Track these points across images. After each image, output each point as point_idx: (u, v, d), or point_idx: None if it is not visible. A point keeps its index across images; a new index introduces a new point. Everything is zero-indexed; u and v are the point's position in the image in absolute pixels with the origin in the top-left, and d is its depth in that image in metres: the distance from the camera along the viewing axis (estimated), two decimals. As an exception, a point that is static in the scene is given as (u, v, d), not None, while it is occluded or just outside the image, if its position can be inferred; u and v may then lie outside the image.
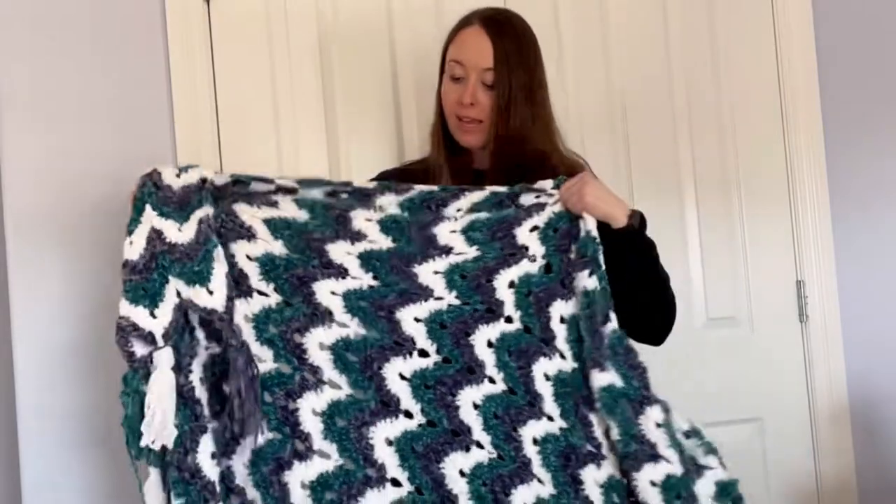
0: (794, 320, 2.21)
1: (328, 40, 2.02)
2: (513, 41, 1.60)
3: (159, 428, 1.24)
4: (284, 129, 2.00)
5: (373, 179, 1.71)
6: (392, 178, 1.70)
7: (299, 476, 1.30)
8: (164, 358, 1.27)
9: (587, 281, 1.43)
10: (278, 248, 1.39)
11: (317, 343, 1.35)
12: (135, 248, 1.32)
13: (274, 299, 1.36)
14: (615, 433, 1.39)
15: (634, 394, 1.42)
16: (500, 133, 1.57)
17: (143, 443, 1.24)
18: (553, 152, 1.64)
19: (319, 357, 1.34)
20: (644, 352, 2.13)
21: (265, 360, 1.33)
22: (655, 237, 2.12)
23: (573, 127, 2.11)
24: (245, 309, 1.35)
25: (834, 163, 2.23)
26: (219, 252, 1.33)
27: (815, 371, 2.20)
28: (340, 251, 1.41)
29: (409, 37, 2.04)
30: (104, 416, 1.86)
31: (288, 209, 1.43)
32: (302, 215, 1.43)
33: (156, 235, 1.32)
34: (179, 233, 1.32)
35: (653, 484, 1.38)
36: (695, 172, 2.18)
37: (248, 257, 1.38)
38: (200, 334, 1.33)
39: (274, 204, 1.43)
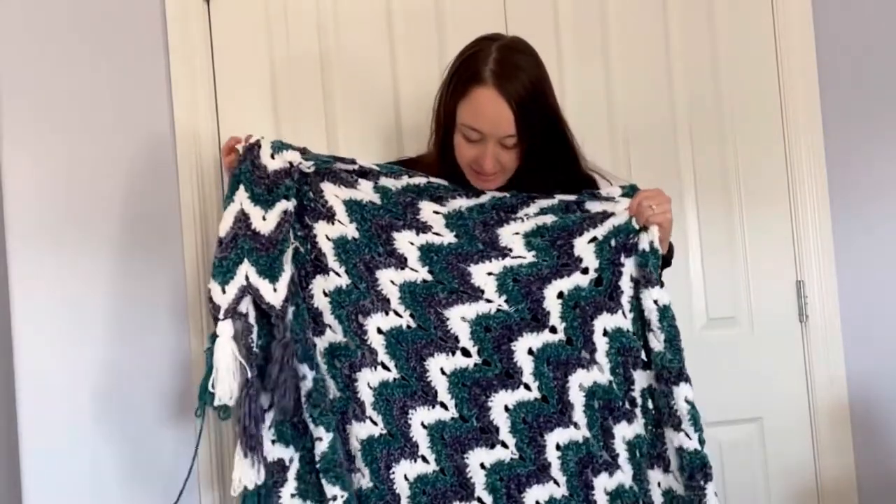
0: (794, 320, 2.21)
1: (328, 40, 2.02)
2: (528, 94, 1.49)
3: (220, 387, 1.47)
4: (284, 129, 1.99)
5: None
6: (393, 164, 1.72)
7: (355, 432, 1.50)
8: (225, 329, 1.48)
9: (658, 294, 1.51)
10: (352, 231, 1.53)
11: (375, 327, 1.50)
12: (224, 225, 1.50)
13: (345, 280, 1.52)
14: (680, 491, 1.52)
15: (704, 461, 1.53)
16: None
17: (215, 401, 1.48)
18: (578, 168, 1.64)
19: (376, 340, 1.50)
20: (644, 352, 2.13)
21: (336, 332, 1.52)
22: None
23: (573, 128, 2.11)
24: (323, 284, 1.52)
25: (834, 163, 2.23)
26: (289, 255, 1.49)
27: (815, 371, 2.20)
28: (404, 240, 1.52)
29: (409, 37, 2.04)
30: (104, 416, 1.86)
31: (365, 191, 1.55)
32: (376, 199, 1.54)
33: (243, 218, 1.50)
34: (263, 222, 1.49)
35: None
36: (695, 173, 2.18)
37: (327, 237, 1.53)
38: (252, 316, 1.50)
39: (353, 184, 1.55)
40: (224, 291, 1.47)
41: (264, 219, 1.49)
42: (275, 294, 1.47)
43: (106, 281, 1.87)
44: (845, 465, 2.20)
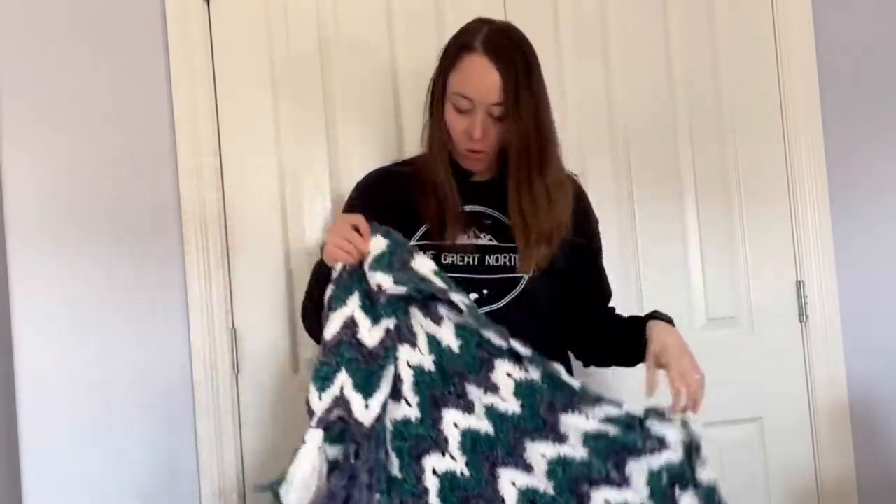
0: (794, 320, 2.21)
1: (328, 40, 2.02)
2: (518, 68, 1.52)
3: (290, 497, 1.38)
4: (284, 129, 2.00)
5: (359, 184, 1.71)
6: (375, 182, 1.70)
7: None
8: (314, 438, 1.40)
9: None
10: (428, 363, 1.47)
11: (431, 467, 1.45)
12: (331, 329, 1.44)
13: (414, 413, 1.46)
14: None
15: None
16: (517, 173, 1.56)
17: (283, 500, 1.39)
18: (555, 170, 1.61)
19: (430, 481, 1.44)
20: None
21: (392, 465, 1.44)
22: (656, 238, 2.14)
23: (573, 128, 2.12)
24: (393, 411, 1.45)
25: (834, 163, 2.23)
26: (389, 372, 1.43)
27: (815, 371, 2.20)
28: (474, 393, 1.47)
29: (409, 36, 2.04)
30: (104, 416, 1.86)
31: (447, 334, 1.49)
32: (455, 344, 1.48)
33: (351, 324, 1.44)
34: (368, 333, 1.44)
35: None
36: (695, 173, 2.18)
37: (407, 363, 1.47)
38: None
39: (439, 321, 1.49)
40: (320, 399, 1.42)
41: (370, 331, 1.44)
42: (366, 411, 1.41)
43: (106, 281, 1.87)
44: (845, 465, 2.20)
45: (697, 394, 1.52)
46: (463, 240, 1.60)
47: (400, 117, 2.02)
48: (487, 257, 1.60)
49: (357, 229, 1.47)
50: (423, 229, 1.61)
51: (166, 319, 1.90)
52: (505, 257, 1.59)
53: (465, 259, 1.60)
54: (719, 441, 2.15)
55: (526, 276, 1.58)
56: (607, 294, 1.72)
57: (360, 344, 1.44)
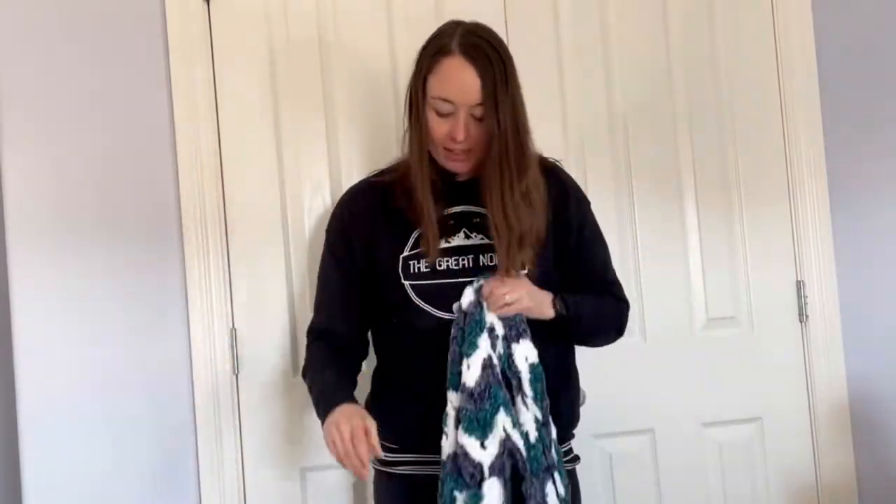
0: (794, 320, 2.21)
1: (328, 39, 2.02)
2: (495, 68, 1.53)
3: None
4: (284, 128, 2.00)
5: (343, 200, 1.72)
6: (360, 196, 1.70)
7: None
8: (494, 489, 1.43)
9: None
10: None
11: None
12: (472, 374, 1.46)
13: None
14: None
15: None
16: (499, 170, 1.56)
17: None
18: (533, 166, 1.61)
19: None
20: (645, 352, 2.14)
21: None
22: (656, 238, 2.14)
23: (573, 127, 2.12)
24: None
25: (834, 163, 2.22)
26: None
27: (815, 371, 2.20)
28: None
29: (409, 36, 2.03)
30: (104, 416, 1.86)
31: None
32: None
33: (489, 365, 1.46)
34: (468, 371, 1.47)
35: None
36: (695, 173, 2.18)
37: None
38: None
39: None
40: (484, 447, 1.42)
41: (469, 368, 1.46)
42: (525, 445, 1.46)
43: (106, 281, 1.87)
44: (845, 465, 2.20)
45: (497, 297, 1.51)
46: (454, 242, 1.60)
47: (400, 117, 2.01)
48: (482, 257, 1.60)
49: (366, 433, 1.44)
50: (415, 235, 1.61)
51: (166, 319, 1.90)
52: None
53: (460, 262, 1.59)
54: (719, 441, 2.16)
55: (523, 273, 1.58)
56: (607, 279, 1.71)
57: (507, 382, 1.47)
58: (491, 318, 1.49)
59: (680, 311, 2.15)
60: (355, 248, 1.65)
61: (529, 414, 1.48)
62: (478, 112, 1.53)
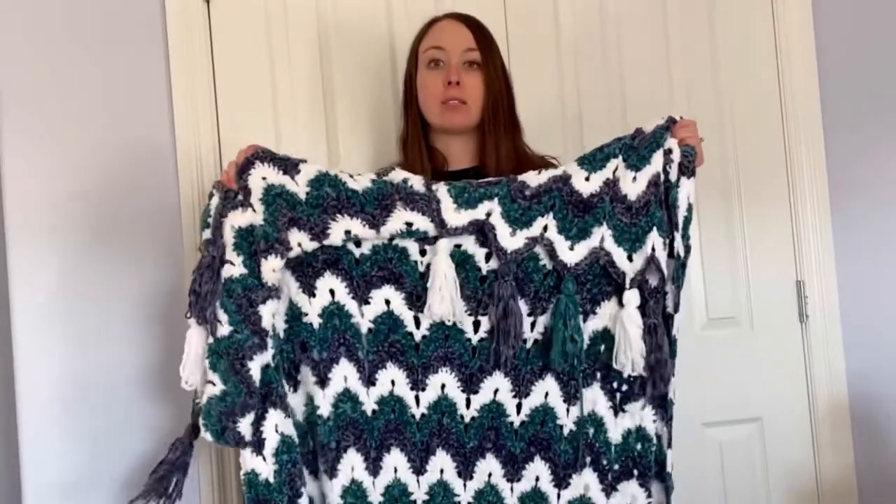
0: (794, 320, 2.21)
1: (328, 39, 2.02)
2: (483, 30, 1.67)
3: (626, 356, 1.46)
4: (284, 128, 2.00)
5: None
6: None
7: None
8: (633, 299, 1.47)
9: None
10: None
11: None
12: (638, 187, 1.47)
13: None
14: None
15: None
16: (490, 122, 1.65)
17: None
18: (523, 143, 1.71)
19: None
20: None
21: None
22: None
23: (573, 126, 2.12)
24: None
25: (834, 163, 2.23)
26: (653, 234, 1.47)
27: (815, 371, 2.20)
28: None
29: (409, 36, 2.03)
30: (104, 416, 1.86)
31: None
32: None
33: (656, 181, 1.48)
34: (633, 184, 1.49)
35: None
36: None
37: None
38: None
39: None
40: (631, 259, 1.45)
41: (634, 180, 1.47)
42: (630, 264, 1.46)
43: (106, 281, 1.87)
44: (845, 465, 2.20)
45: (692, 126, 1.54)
46: None
47: (400, 116, 2.02)
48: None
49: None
50: None
51: (166, 319, 1.90)
52: None
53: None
54: (719, 441, 2.16)
55: None
56: None
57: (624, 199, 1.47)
58: (672, 143, 1.48)
59: (680, 310, 2.14)
60: None
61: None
62: (470, 57, 1.63)
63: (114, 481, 1.85)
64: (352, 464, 1.49)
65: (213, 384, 1.42)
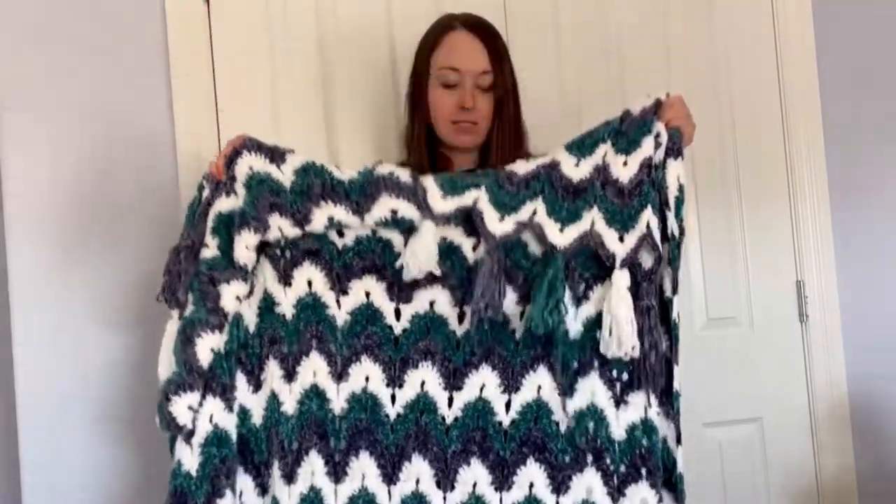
0: (794, 320, 2.21)
1: (328, 40, 2.02)
2: (497, 42, 1.64)
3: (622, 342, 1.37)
4: (284, 128, 1.99)
5: None
6: None
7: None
8: (620, 278, 1.40)
9: None
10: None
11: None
12: (630, 170, 1.41)
13: None
14: None
15: None
16: (499, 134, 1.63)
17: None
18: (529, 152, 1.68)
19: None
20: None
21: None
22: (655, 237, 2.13)
23: (573, 127, 2.11)
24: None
25: (833, 163, 2.23)
26: (647, 213, 1.40)
27: (815, 371, 2.20)
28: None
29: (409, 36, 2.03)
30: (104, 417, 1.86)
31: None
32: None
33: (647, 163, 1.42)
34: (625, 168, 1.43)
35: None
36: (695, 173, 2.18)
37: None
38: None
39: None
40: (622, 240, 1.38)
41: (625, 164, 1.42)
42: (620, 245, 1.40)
43: (106, 280, 1.87)
44: (845, 465, 2.20)
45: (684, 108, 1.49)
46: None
47: (400, 116, 2.01)
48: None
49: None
50: None
51: (166, 319, 1.90)
52: None
53: None
54: (719, 441, 2.16)
55: None
56: None
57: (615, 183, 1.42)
58: (659, 126, 1.43)
59: (680, 311, 2.14)
60: None
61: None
62: (483, 81, 1.60)
63: (113, 482, 1.85)
64: (312, 468, 1.40)
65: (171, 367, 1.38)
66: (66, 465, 1.83)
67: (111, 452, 1.86)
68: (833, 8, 2.24)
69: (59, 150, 1.87)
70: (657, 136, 1.42)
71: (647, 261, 1.39)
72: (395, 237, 1.42)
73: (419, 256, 1.38)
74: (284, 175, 1.40)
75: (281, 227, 1.39)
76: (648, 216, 1.38)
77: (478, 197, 1.40)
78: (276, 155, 1.42)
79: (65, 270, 1.85)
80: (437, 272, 1.40)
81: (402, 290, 1.43)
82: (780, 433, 2.18)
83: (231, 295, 1.39)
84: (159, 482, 1.87)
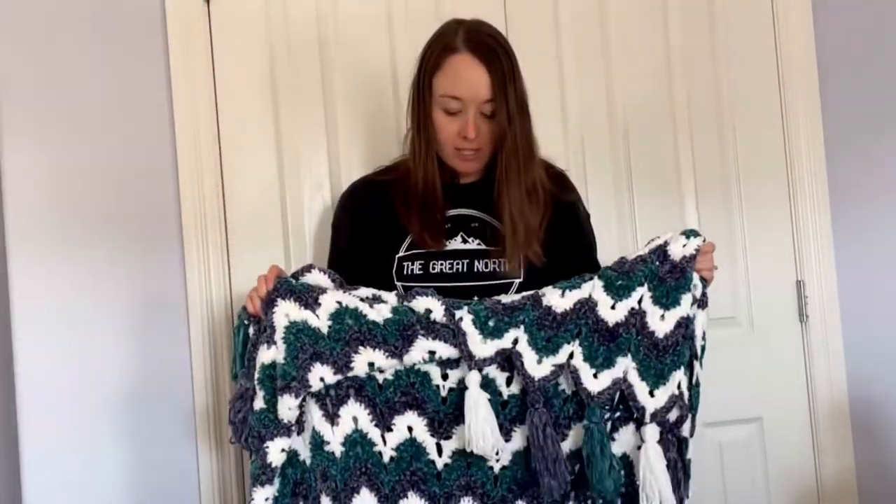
0: (794, 320, 2.21)
1: (328, 38, 2.02)
2: (503, 64, 1.53)
3: None
4: (284, 129, 2.00)
5: (342, 196, 1.73)
6: (358, 194, 1.71)
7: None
8: (651, 434, 1.48)
9: None
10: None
11: None
12: (667, 326, 1.48)
13: None
14: None
15: None
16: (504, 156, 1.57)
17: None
18: (539, 167, 1.63)
19: None
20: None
21: None
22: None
23: (573, 127, 2.12)
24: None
25: (834, 163, 2.23)
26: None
27: (815, 371, 2.20)
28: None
29: (409, 37, 2.03)
30: (104, 418, 1.86)
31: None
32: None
33: (685, 322, 1.49)
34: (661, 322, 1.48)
35: None
36: (695, 172, 2.18)
37: None
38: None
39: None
40: (653, 395, 1.46)
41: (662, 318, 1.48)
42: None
43: (106, 282, 1.87)
44: (845, 465, 2.20)
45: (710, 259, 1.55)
46: (451, 246, 1.60)
47: (400, 116, 2.02)
48: (476, 262, 1.60)
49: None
50: (409, 239, 1.61)
51: (166, 319, 1.90)
52: (494, 262, 1.59)
53: (454, 266, 1.59)
54: (719, 441, 2.15)
55: (517, 281, 1.58)
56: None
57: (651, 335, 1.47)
58: (696, 280, 1.49)
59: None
60: (358, 241, 1.66)
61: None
62: (487, 109, 1.54)
63: (113, 482, 1.85)
64: None
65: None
66: (66, 466, 1.83)
67: (111, 451, 1.86)
68: (833, 8, 2.24)
69: (59, 150, 1.87)
70: (694, 291, 1.48)
71: (674, 414, 1.47)
72: (433, 369, 1.47)
73: (489, 438, 1.41)
74: (321, 321, 1.43)
75: (323, 376, 1.42)
76: (680, 377, 1.46)
77: (517, 337, 1.44)
78: (310, 300, 1.44)
79: (64, 271, 1.85)
80: (501, 445, 1.44)
81: (440, 424, 1.47)
82: (780, 433, 2.18)
83: (276, 450, 1.43)
84: (159, 481, 1.88)
